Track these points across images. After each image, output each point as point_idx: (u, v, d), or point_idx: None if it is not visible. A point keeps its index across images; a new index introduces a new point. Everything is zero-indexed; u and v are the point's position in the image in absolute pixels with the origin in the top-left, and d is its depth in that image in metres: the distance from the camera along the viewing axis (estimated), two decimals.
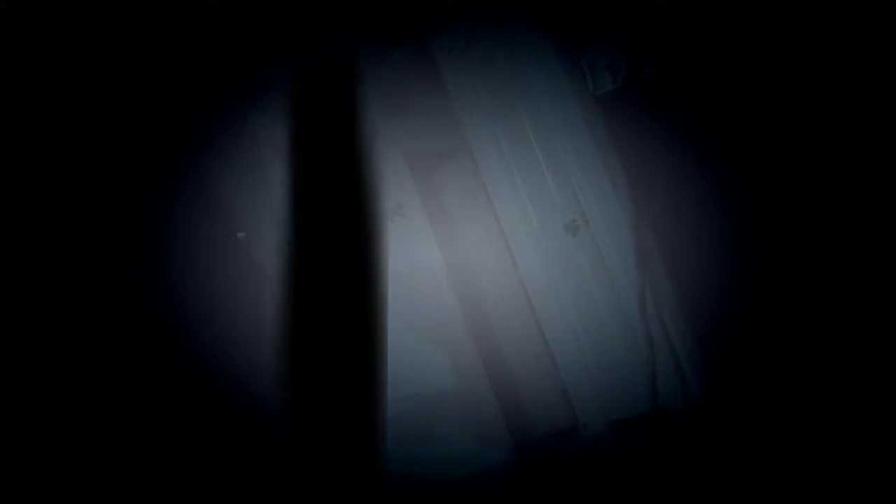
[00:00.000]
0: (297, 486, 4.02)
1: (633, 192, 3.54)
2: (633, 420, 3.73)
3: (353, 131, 4.07)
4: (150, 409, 3.80)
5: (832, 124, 2.85)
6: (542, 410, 4.71)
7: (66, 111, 3.93)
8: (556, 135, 3.82)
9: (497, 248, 4.89)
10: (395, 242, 4.58)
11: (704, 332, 3.47)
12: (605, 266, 3.75)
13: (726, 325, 3.35)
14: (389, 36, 4.57)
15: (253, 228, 4.54)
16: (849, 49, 2.76)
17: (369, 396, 3.83)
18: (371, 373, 3.79)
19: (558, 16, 3.75)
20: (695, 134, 3.30)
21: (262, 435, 4.07)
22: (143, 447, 3.68)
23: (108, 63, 3.77)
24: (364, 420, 3.85)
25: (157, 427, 3.78)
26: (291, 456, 4.12)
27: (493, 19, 4.06)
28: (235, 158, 4.54)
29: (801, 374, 3.03)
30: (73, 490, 3.42)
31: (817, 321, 2.96)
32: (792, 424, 2.79)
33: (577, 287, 3.96)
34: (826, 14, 2.79)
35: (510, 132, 4.11)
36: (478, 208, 4.96)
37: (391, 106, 4.84)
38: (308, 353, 3.91)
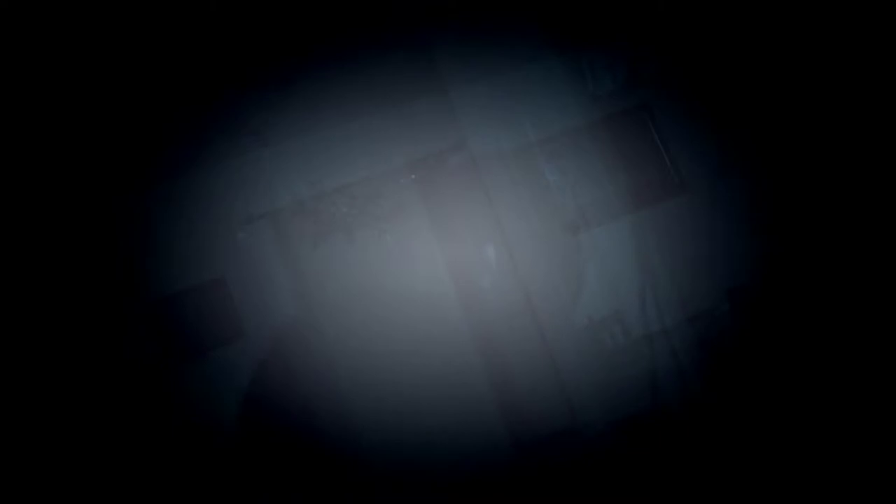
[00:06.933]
0: (292, 487, 4.02)
1: (633, 193, 3.54)
2: (633, 420, 3.73)
3: None
4: (146, 407, 3.80)
5: (833, 125, 2.86)
6: (542, 410, 4.70)
7: (66, 111, 3.93)
8: (556, 135, 3.82)
9: (497, 248, 4.89)
10: (395, 242, 4.58)
11: (705, 332, 3.47)
12: (605, 266, 3.75)
13: (727, 326, 3.35)
14: (390, 36, 4.57)
15: (253, 229, 4.54)
16: (848, 50, 2.77)
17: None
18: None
19: (558, 16, 3.75)
20: (695, 134, 3.30)
21: (258, 433, 4.06)
22: (139, 445, 3.68)
23: (108, 63, 3.77)
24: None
25: (153, 425, 3.78)
26: (289, 457, 4.12)
27: (493, 20, 4.06)
28: (235, 158, 4.54)
29: (800, 374, 3.03)
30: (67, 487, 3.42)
31: (817, 321, 2.96)
32: (791, 424, 2.79)
33: (577, 287, 3.96)
34: (825, 15, 2.80)
35: (510, 132, 4.11)
36: (478, 208, 4.96)
37: (391, 106, 4.84)
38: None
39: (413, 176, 4.81)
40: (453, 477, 4.22)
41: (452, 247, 4.94)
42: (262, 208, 4.48)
